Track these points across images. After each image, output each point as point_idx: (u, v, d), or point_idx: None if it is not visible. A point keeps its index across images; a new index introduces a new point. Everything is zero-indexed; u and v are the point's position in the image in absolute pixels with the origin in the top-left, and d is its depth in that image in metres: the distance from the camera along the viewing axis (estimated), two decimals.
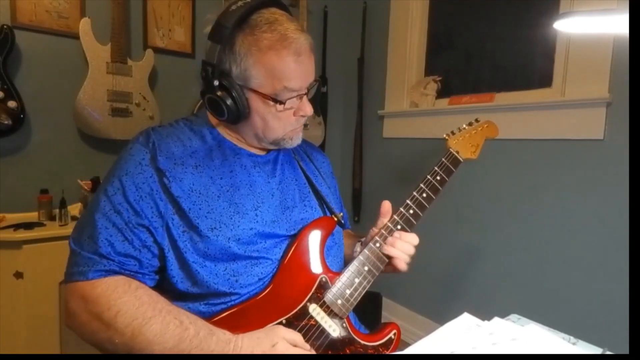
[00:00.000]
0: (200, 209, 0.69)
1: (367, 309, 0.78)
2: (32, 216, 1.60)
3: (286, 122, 0.75)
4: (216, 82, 0.70)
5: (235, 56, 0.69)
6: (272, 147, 0.80)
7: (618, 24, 0.67)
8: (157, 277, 0.71)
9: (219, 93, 0.70)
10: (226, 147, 0.77)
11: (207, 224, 0.69)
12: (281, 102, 0.71)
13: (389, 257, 0.79)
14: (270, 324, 0.70)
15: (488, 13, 1.91)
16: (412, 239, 0.80)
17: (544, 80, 1.64)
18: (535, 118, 1.58)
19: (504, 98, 1.75)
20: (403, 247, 0.78)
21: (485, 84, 1.91)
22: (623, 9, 0.64)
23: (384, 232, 0.79)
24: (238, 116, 0.72)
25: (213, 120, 0.79)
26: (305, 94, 0.74)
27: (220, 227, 0.69)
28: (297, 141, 0.80)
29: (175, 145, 0.72)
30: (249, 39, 0.68)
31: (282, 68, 0.69)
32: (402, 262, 0.79)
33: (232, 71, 0.70)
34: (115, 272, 0.64)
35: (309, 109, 0.75)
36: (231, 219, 0.71)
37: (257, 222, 0.73)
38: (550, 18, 1.61)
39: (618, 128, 1.36)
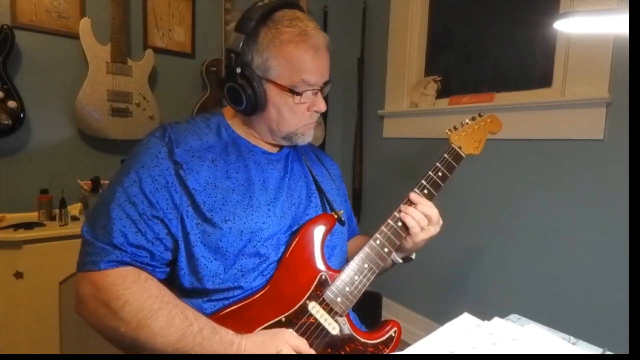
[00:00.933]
0: (215, 201, 0.70)
1: (368, 309, 0.78)
2: (32, 216, 1.59)
3: (300, 116, 0.77)
4: (239, 70, 0.72)
5: (257, 47, 0.72)
6: (284, 142, 0.82)
7: (618, 24, 0.67)
8: (167, 269, 0.72)
9: (239, 81, 0.72)
10: (241, 144, 0.79)
11: (221, 216, 0.70)
12: (298, 93, 0.73)
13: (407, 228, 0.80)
14: (270, 322, 0.70)
15: (488, 13, 1.91)
16: (425, 208, 0.80)
17: (544, 80, 1.64)
18: (535, 118, 1.58)
19: (504, 98, 1.75)
20: (414, 214, 0.79)
21: (485, 84, 1.91)
22: (623, 9, 0.64)
23: (384, 229, 0.79)
24: (255, 106, 0.74)
25: (229, 118, 0.81)
26: (320, 90, 0.77)
27: (234, 219, 0.71)
28: (308, 138, 0.81)
29: (193, 140, 0.74)
30: (272, 32, 0.72)
31: (300, 60, 0.72)
32: (415, 232, 0.79)
33: (253, 62, 0.73)
34: (127, 263, 0.65)
35: (322, 106, 0.78)
36: (244, 211, 0.72)
37: (269, 216, 0.74)
38: (550, 18, 1.61)
39: (618, 128, 1.36)
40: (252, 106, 0.74)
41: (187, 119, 0.79)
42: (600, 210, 1.41)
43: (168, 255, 0.71)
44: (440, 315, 1.96)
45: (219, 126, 0.80)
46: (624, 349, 0.57)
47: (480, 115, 0.95)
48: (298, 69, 0.72)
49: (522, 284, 1.64)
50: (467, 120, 0.93)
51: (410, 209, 0.79)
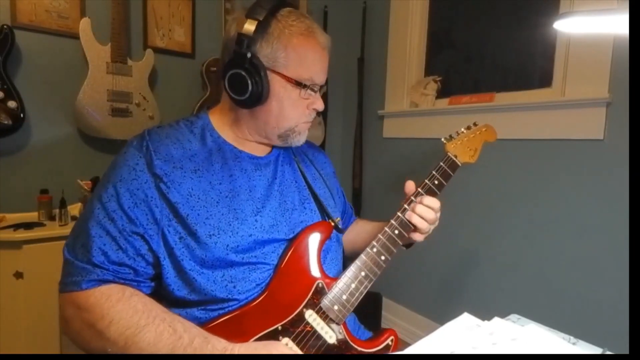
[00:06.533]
0: (198, 214, 0.68)
1: (367, 309, 0.78)
2: (32, 216, 1.60)
3: (301, 112, 0.77)
4: (249, 54, 0.70)
5: (268, 36, 0.71)
6: (279, 142, 0.80)
7: (618, 24, 0.67)
8: (152, 284, 0.70)
9: (247, 67, 0.70)
10: (226, 150, 0.76)
11: (205, 230, 0.68)
12: (305, 86, 0.74)
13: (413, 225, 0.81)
14: (266, 331, 0.69)
15: (488, 13, 1.91)
16: (432, 202, 0.81)
17: (544, 80, 1.64)
18: (535, 118, 1.58)
19: (504, 98, 1.75)
20: (422, 211, 0.80)
21: (485, 84, 1.91)
22: (623, 9, 0.64)
23: (381, 236, 0.79)
24: (258, 97, 0.72)
25: (215, 120, 0.79)
26: (320, 89, 0.78)
27: (219, 234, 0.68)
28: (303, 138, 0.81)
29: (175, 148, 0.71)
30: (282, 23, 0.72)
31: (308, 55, 0.73)
32: (421, 229, 0.81)
33: (262, 50, 0.72)
34: (109, 281, 0.64)
35: (321, 104, 0.79)
36: (230, 225, 0.70)
37: (256, 228, 0.72)
38: (550, 18, 1.61)
39: (618, 128, 1.36)
40: (255, 97, 0.71)
41: (171, 124, 0.77)
42: (600, 211, 1.41)
43: (151, 270, 0.68)
44: (440, 315, 1.96)
45: (204, 131, 0.76)
46: (624, 349, 0.57)
47: (475, 124, 0.96)
48: (305, 64, 0.73)
49: (522, 284, 1.64)
50: (462, 129, 0.94)
51: (416, 208, 0.81)
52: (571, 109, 1.47)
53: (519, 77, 1.77)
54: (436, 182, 0.85)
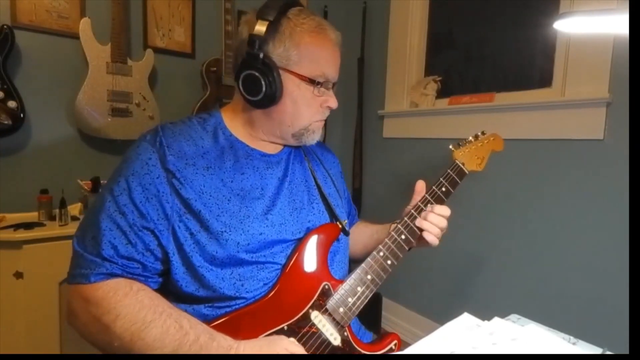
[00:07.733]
0: (211, 211, 0.68)
1: (367, 309, 0.78)
2: (32, 216, 1.59)
3: (315, 110, 0.77)
4: (261, 55, 0.70)
5: (279, 36, 0.72)
6: (293, 141, 0.80)
7: (618, 24, 0.67)
8: (160, 279, 0.70)
9: (260, 67, 0.71)
10: (238, 149, 0.77)
11: (217, 227, 0.68)
12: (318, 83, 0.74)
13: (421, 230, 0.81)
14: (272, 330, 0.69)
15: (488, 13, 1.91)
16: (444, 211, 0.82)
17: (544, 80, 1.64)
18: (535, 118, 1.58)
19: (504, 98, 1.75)
20: (434, 219, 0.80)
21: (485, 84, 1.91)
22: (623, 9, 0.64)
23: (388, 241, 0.79)
24: (272, 97, 0.72)
25: (228, 119, 0.79)
26: (332, 87, 0.78)
27: (230, 231, 0.69)
28: (317, 136, 0.81)
29: (187, 145, 0.71)
30: (293, 22, 0.73)
31: (320, 52, 0.74)
32: (432, 235, 0.81)
33: (274, 50, 0.72)
34: (117, 275, 0.64)
35: (334, 102, 0.78)
36: (241, 222, 0.70)
37: (266, 226, 0.73)
38: (550, 18, 1.61)
39: (618, 128, 1.36)
40: (269, 98, 0.71)
41: (184, 120, 0.77)
42: (600, 211, 1.41)
43: (159, 266, 0.69)
44: (440, 315, 1.96)
45: (216, 129, 0.77)
46: (624, 349, 0.57)
47: (483, 133, 0.97)
48: (318, 61, 0.73)
49: (522, 284, 1.64)
50: (470, 138, 0.95)
51: (429, 216, 0.81)
52: (571, 109, 1.47)
53: (519, 77, 1.77)
54: (444, 189, 0.85)
